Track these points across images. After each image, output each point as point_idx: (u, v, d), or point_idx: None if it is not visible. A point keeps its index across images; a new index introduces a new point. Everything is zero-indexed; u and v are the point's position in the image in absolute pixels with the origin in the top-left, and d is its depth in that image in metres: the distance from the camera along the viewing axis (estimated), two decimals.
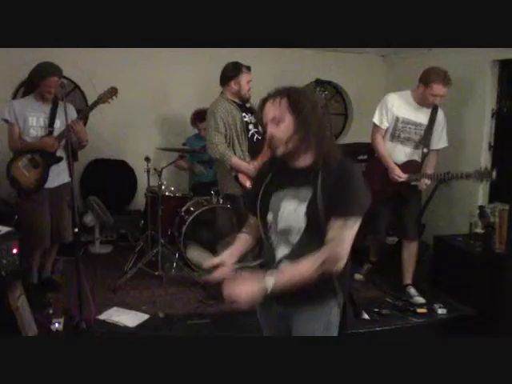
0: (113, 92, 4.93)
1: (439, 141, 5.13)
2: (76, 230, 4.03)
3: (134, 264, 5.49)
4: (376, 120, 5.08)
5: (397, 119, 5.02)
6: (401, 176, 4.98)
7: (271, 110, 2.40)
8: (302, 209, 2.37)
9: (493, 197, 5.63)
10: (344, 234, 2.29)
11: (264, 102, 2.45)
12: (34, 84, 4.76)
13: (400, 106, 5.03)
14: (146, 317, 4.54)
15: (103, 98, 4.89)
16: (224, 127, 4.80)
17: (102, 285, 5.24)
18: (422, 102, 4.98)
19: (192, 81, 6.60)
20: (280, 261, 2.47)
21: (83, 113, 4.97)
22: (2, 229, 4.09)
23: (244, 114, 4.87)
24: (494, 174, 4.68)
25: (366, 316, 4.45)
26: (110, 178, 6.60)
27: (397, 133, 5.06)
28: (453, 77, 5.44)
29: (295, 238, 2.42)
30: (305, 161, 2.44)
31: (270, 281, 2.24)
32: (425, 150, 5.09)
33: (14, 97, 6.29)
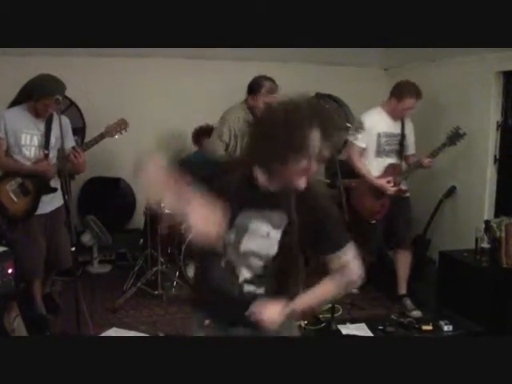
0: (122, 124, 4.62)
1: (412, 146, 5.49)
2: (73, 249, 3.88)
3: (133, 283, 5.41)
4: (356, 139, 5.18)
5: (379, 135, 5.26)
6: (390, 188, 5.21)
7: None
8: (276, 235, 2.22)
9: (499, 211, 5.51)
10: (349, 260, 2.27)
11: None
12: (31, 96, 4.33)
13: (378, 123, 5.27)
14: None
15: (111, 131, 4.56)
16: (229, 137, 4.77)
17: (101, 305, 5.16)
18: (394, 114, 5.28)
19: (192, 97, 6.54)
20: (242, 284, 2.31)
21: (87, 144, 4.57)
22: None
23: None
24: (462, 131, 5.23)
25: (369, 333, 4.36)
26: (107, 197, 6.49)
27: (381, 148, 5.29)
28: (456, 89, 5.47)
29: (259, 264, 2.27)
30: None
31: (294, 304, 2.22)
32: (405, 154, 5.44)
33: None
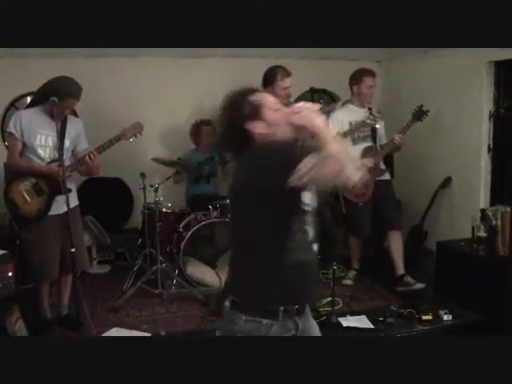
0: (138, 128, 4.65)
1: (383, 135, 5.75)
2: (73, 249, 3.89)
3: (132, 283, 5.40)
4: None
5: (350, 124, 5.54)
6: (368, 162, 5.40)
7: None
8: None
9: (494, 200, 5.55)
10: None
11: None
12: (47, 98, 4.22)
13: (348, 113, 5.60)
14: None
15: (126, 134, 4.59)
16: None
17: (102, 305, 5.15)
18: (360, 101, 5.62)
19: (187, 95, 6.56)
20: (312, 245, 2.41)
21: (103, 146, 4.51)
22: None
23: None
24: (425, 109, 5.47)
25: (370, 325, 4.38)
26: (105, 197, 6.48)
27: (355, 135, 5.55)
28: (449, 80, 5.50)
29: (312, 219, 2.42)
30: None
31: None
32: (378, 142, 5.67)
33: (7, 110, 6.25)
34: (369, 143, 5.60)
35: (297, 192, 2.24)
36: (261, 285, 2.32)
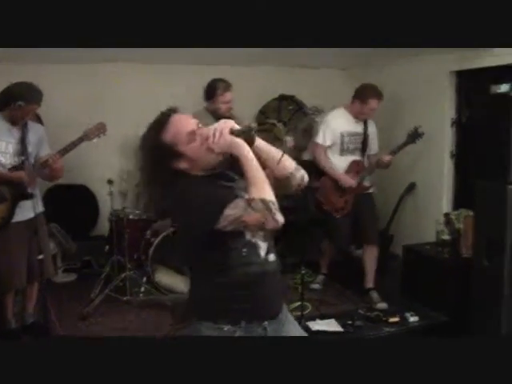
0: (101, 128, 4.58)
1: (374, 146, 5.71)
2: (41, 256, 3.85)
3: (100, 290, 5.37)
4: (320, 140, 5.45)
5: (342, 134, 5.47)
6: (352, 182, 5.40)
7: None
8: None
9: (457, 204, 5.70)
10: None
11: None
12: (6, 104, 4.26)
13: (342, 123, 5.50)
14: None
15: (89, 135, 4.50)
16: None
17: (69, 314, 5.07)
18: (358, 116, 5.51)
19: (152, 99, 6.51)
20: (266, 257, 2.44)
21: (65, 149, 4.42)
22: None
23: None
24: (421, 131, 5.41)
25: (339, 328, 4.43)
26: (70, 204, 6.43)
27: (345, 146, 5.50)
28: (412, 88, 5.64)
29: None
30: None
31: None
32: (367, 154, 5.65)
33: None
34: (356, 156, 5.56)
35: None
36: (213, 299, 2.39)
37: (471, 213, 4.78)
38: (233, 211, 2.16)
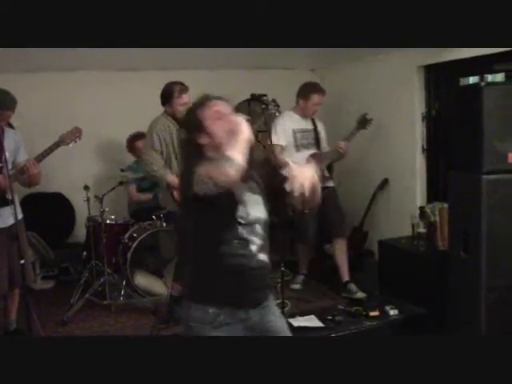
0: (76, 133, 4.54)
1: (324, 145, 5.86)
2: (22, 261, 3.82)
3: (80, 296, 5.36)
4: (274, 140, 5.43)
5: (294, 131, 5.68)
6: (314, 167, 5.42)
7: None
8: (262, 201, 2.68)
9: (430, 197, 5.78)
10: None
11: None
12: None
13: (291, 121, 5.72)
14: None
15: (65, 140, 4.48)
16: (160, 144, 4.86)
17: (49, 320, 5.07)
18: (304, 114, 5.75)
19: (124, 105, 6.55)
20: (256, 254, 2.57)
21: (42, 154, 4.41)
22: None
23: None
24: (369, 117, 5.68)
25: (320, 324, 4.46)
26: (46, 212, 6.41)
27: (299, 142, 5.70)
28: (382, 85, 5.70)
29: (261, 230, 2.62)
30: None
31: None
32: (321, 149, 5.79)
33: None
34: (312, 150, 5.69)
35: (224, 206, 2.44)
36: (203, 282, 2.59)
37: (446, 205, 4.85)
38: (198, 170, 2.34)
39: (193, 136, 2.62)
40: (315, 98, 5.62)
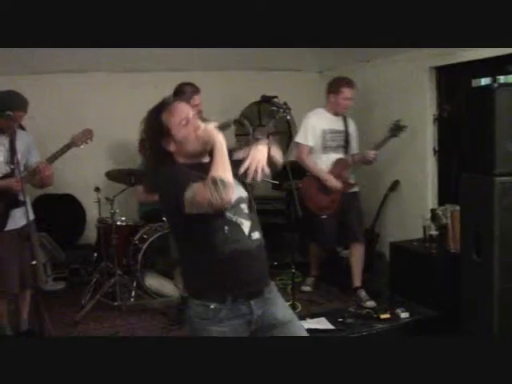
0: (88, 134, 4.60)
1: (354, 146, 5.69)
2: (34, 262, 3.83)
3: (91, 297, 5.38)
4: (301, 139, 5.47)
5: (323, 132, 5.48)
6: (337, 184, 5.40)
7: None
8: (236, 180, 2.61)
9: (441, 200, 5.74)
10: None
11: None
12: None
13: (322, 120, 5.53)
14: None
15: (76, 141, 4.52)
16: None
17: (60, 321, 5.09)
18: (335, 110, 5.53)
19: (134, 107, 6.49)
20: (250, 235, 2.60)
21: (54, 155, 4.44)
22: None
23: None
24: (402, 124, 5.43)
25: (331, 326, 4.45)
26: (57, 214, 6.43)
27: (328, 143, 5.51)
28: (392, 87, 5.69)
29: (246, 208, 2.64)
30: None
31: None
32: (350, 153, 5.61)
33: None
34: (340, 154, 5.54)
35: None
36: (200, 277, 2.58)
37: (457, 207, 4.82)
38: (188, 194, 2.33)
39: (158, 142, 2.60)
40: (346, 91, 5.42)
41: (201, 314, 2.52)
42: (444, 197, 5.73)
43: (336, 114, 5.55)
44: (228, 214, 2.50)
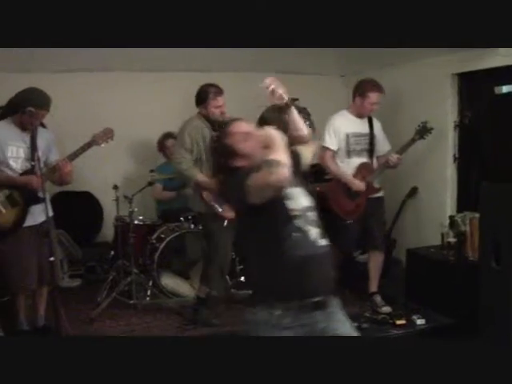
0: (108, 133, 4.63)
1: (384, 146, 5.54)
2: (52, 258, 3.84)
3: (106, 295, 5.40)
4: (326, 143, 5.33)
5: (347, 136, 5.35)
6: (361, 186, 5.30)
7: None
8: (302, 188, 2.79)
9: (460, 207, 5.70)
10: None
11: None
12: (17, 109, 4.29)
13: (346, 124, 5.38)
14: None
15: (97, 140, 4.56)
16: (191, 144, 4.87)
17: (76, 318, 5.10)
18: (360, 113, 5.41)
19: (155, 106, 6.59)
20: (316, 240, 2.64)
21: (75, 153, 4.47)
22: None
23: (215, 132, 4.89)
24: (429, 126, 5.37)
25: None
26: (75, 211, 6.44)
27: (351, 147, 5.38)
28: (414, 92, 5.64)
29: (313, 216, 2.69)
30: None
31: None
32: (375, 156, 5.49)
33: None
34: (364, 158, 5.42)
35: (275, 204, 2.52)
36: (267, 281, 2.59)
37: (476, 215, 4.80)
38: (248, 182, 2.45)
39: (229, 162, 2.73)
40: (373, 96, 5.26)
41: (264, 320, 2.55)
42: (463, 204, 5.69)
43: (360, 116, 5.43)
44: (296, 222, 2.57)
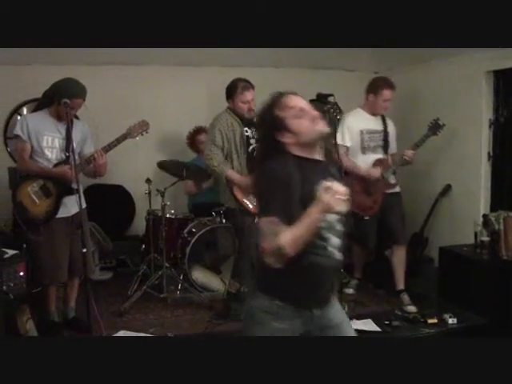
0: (144, 126, 4.69)
1: (393, 146, 5.61)
2: (84, 250, 3.86)
3: (137, 288, 5.44)
4: (339, 140, 5.27)
5: (361, 132, 5.42)
6: (376, 172, 5.34)
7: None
8: None
9: (494, 206, 5.62)
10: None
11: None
12: (53, 100, 4.37)
13: (360, 121, 5.46)
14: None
15: (132, 132, 4.62)
16: (222, 140, 4.87)
17: (106, 310, 5.16)
18: (373, 111, 5.49)
19: (187, 100, 6.62)
20: (332, 252, 2.55)
21: (109, 145, 4.53)
22: (9, 252, 4.02)
23: (246, 128, 4.91)
24: (441, 122, 5.40)
25: (377, 328, 4.41)
26: (107, 204, 6.48)
27: (366, 144, 5.44)
28: (448, 89, 5.56)
29: (340, 228, 2.60)
30: None
31: None
32: (389, 153, 5.54)
33: (11, 116, 6.27)
34: (379, 154, 5.47)
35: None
36: (275, 277, 2.51)
37: (511, 214, 4.74)
38: (265, 224, 2.37)
39: (271, 135, 2.58)
40: (386, 93, 5.35)
41: (265, 308, 2.54)
42: (497, 202, 5.62)
43: (374, 114, 5.49)
44: (322, 231, 2.48)
